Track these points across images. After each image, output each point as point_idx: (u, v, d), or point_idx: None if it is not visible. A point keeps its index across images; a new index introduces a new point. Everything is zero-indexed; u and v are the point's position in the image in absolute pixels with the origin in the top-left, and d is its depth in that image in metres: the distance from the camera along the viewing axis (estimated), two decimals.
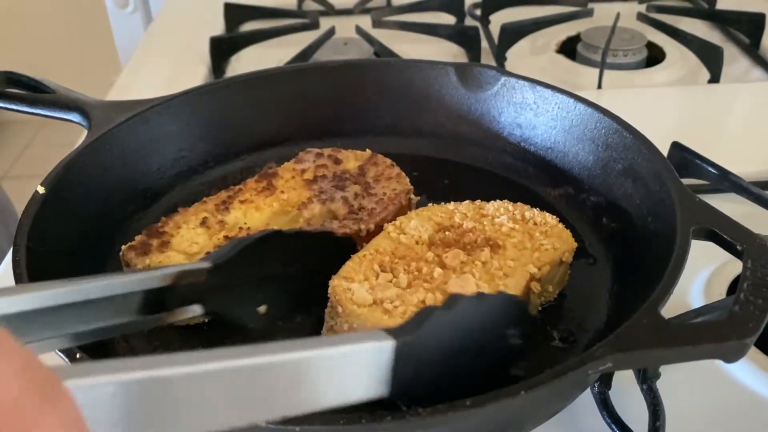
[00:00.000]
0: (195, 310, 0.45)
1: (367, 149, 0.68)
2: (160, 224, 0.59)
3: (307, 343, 0.32)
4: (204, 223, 0.59)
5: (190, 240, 0.57)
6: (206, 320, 0.52)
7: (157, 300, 0.42)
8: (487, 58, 1.07)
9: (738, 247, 0.45)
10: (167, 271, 0.43)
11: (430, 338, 0.39)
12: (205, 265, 0.45)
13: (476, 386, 0.40)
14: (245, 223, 0.59)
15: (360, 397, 0.35)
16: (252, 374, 0.29)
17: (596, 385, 0.51)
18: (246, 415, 0.30)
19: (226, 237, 0.57)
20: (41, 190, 0.54)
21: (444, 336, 0.40)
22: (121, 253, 0.56)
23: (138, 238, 0.58)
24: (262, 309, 0.51)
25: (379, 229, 0.60)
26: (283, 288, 0.51)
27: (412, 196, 0.64)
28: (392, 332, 0.37)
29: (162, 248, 0.56)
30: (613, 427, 0.49)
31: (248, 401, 0.30)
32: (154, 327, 0.44)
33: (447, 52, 1.09)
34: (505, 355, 0.44)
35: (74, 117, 0.64)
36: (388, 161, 0.66)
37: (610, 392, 0.51)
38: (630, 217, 0.57)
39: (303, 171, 0.65)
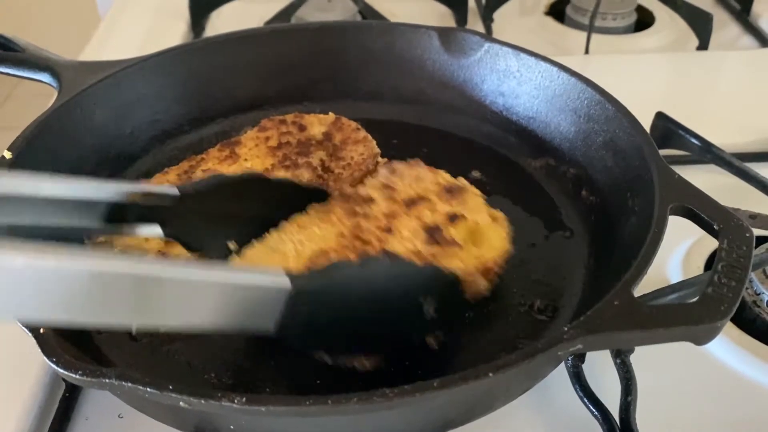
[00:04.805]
0: (155, 231, 0.45)
1: (330, 113, 0.66)
2: None
3: (213, 266, 0.36)
4: None
5: None
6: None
7: (121, 214, 0.43)
8: (474, 19, 1.04)
9: (715, 227, 0.44)
10: (133, 188, 0.44)
11: (331, 291, 0.39)
12: (172, 191, 0.45)
13: (382, 345, 0.43)
14: None
15: (247, 327, 0.37)
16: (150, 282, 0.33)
17: (570, 358, 0.50)
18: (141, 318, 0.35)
19: None
20: (8, 155, 0.53)
21: (347, 290, 0.40)
22: None
23: None
24: (233, 245, 0.50)
25: None
26: (252, 228, 0.50)
27: (380, 159, 0.63)
28: (291, 277, 0.37)
29: None
30: (585, 400, 0.49)
31: (146, 306, 0.34)
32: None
33: (433, 12, 1.06)
34: (417, 323, 0.43)
35: (43, 77, 0.62)
36: (354, 125, 0.64)
37: (584, 365, 0.51)
38: (609, 191, 0.56)
39: (267, 138, 0.63)
